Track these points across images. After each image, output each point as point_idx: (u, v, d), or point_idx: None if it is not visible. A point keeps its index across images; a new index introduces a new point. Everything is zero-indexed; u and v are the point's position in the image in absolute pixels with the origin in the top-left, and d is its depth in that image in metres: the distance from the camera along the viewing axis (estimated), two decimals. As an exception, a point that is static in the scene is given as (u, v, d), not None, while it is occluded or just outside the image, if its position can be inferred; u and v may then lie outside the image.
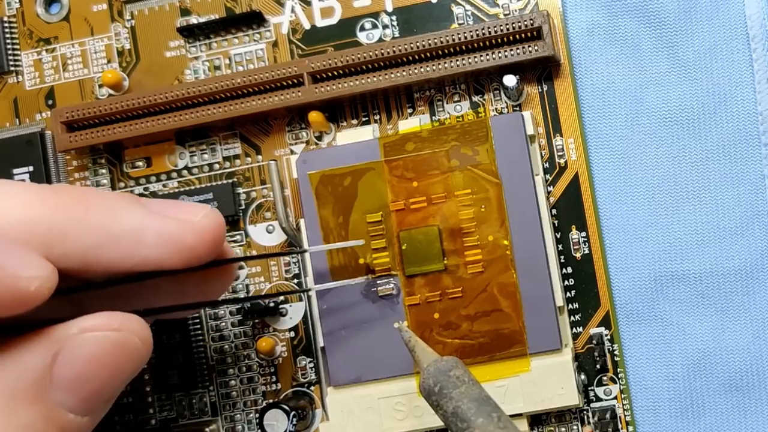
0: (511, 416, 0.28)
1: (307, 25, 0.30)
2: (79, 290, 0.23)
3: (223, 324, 0.30)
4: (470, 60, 0.28)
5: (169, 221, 0.23)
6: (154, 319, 0.30)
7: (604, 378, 0.29)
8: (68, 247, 0.22)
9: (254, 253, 0.30)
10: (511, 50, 0.28)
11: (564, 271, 0.29)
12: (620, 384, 0.29)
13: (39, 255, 0.21)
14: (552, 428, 0.29)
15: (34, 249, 0.21)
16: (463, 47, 0.28)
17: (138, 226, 0.23)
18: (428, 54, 0.28)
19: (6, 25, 0.32)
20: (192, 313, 0.30)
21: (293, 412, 0.28)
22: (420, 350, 0.25)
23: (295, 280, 0.30)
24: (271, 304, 0.30)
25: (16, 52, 0.32)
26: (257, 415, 0.29)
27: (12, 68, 0.32)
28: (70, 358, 0.21)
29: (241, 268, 0.30)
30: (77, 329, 0.21)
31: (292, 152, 0.30)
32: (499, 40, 0.28)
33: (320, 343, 0.29)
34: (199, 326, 0.30)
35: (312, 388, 0.30)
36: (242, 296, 0.30)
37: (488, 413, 0.23)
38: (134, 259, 0.23)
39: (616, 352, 0.29)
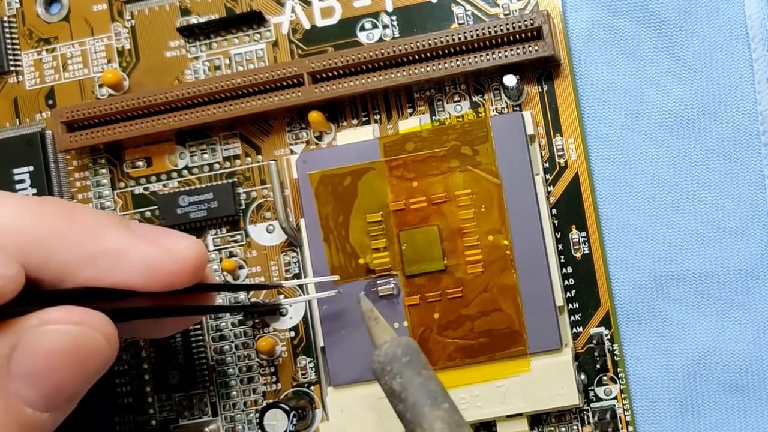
0: (511, 416, 0.28)
1: (307, 25, 0.30)
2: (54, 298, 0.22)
3: (223, 324, 0.30)
4: (470, 60, 0.28)
5: (151, 247, 0.23)
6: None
7: (604, 378, 0.29)
8: (47, 259, 0.22)
9: (254, 253, 0.30)
10: (511, 50, 0.28)
11: (564, 271, 0.29)
12: (620, 384, 0.29)
13: (8, 256, 0.21)
14: (552, 428, 0.29)
15: (9, 254, 0.21)
16: (463, 47, 0.28)
17: (119, 247, 0.23)
18: (428, 54, 0.28)
19: (6, 25, 0.32)
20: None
21: (293, 412, 0.28)
22: (379, 328, 0.25)
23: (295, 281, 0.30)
24: (269, 302, 0.30)
25: (16, 52, 0.32)
26: (257, 415, 0.29)
27: (12, 68, 0.32)
28: (28, 350, 0.21)
29: (241, 267, 0.30)
30: (38, 321, 0.21)
31: (292, 152, 0.30)
32: (499, 40, 0.28)
33: (320, 343, 0.29)
34: (199, 326, 0.30)
35: (312, 388, 0.30)
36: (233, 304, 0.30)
37: (436, 402, 0.22)
38: (112, 279, 0.23)
39: (616, 352, 0.29)
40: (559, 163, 0.29)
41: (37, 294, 0.22)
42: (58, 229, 0.22)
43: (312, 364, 0.30)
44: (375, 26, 0.30)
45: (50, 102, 0.32)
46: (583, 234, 0.29)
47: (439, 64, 0.28)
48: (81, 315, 0.21)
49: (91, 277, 0.22)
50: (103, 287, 0.23)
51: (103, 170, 0.31)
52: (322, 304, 0.28)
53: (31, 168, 0.31)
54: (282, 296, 0.30)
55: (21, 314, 0.21)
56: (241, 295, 0.30)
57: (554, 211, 0.29)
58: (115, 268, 0.23)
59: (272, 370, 0.30)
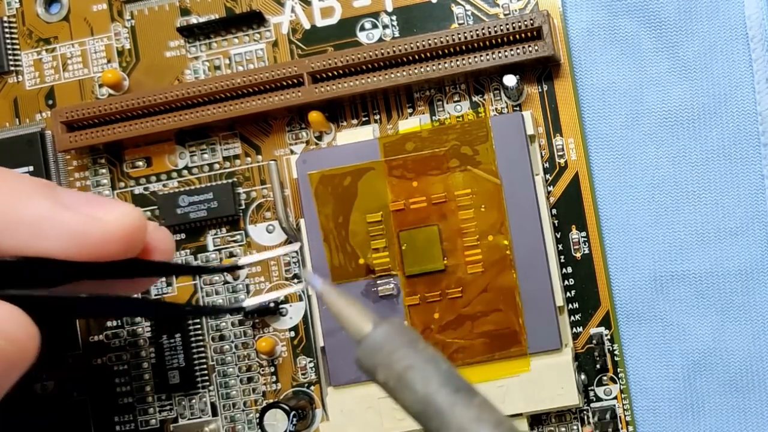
0: (511, 416, 0.28)
1: (307, 25, 0.30)
2: None
3: (223, 324, 0.30)
4: (470, 60, 0.28)
5: (75, 216, 0.22)
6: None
7: (604, 378, 0.29)
8: None
9: (254, 252, 0.30)
10: (511, 50, 0.28)
11: (564, 271, 0.29)
12: (620, 384, 0.29)
13: None
14: (552, 428, 0.29)
15: None
16: (463, 47, 0.28)
17: (40, 216, 0.22)
18: (428, 54, 0.28)
19: (6, 25, 0.32)
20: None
21: (293, 412, 0.28)
22: (353, 312, 0.19)
23: (295, 280, 0.30)
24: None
25: (16, 52, 0.32)
26: (257, 415, 0.29)
27: (12, 68, 0.32)
28: None
29: (240, 267, 0.30)
30: None
31: (292, 152, 0.30)
32: (499, 40, 0.28)
33: (320, 343, 0.29)
34: (199, 326, 0.30)
35: (312, 388, 0.30)
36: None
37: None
38: (34, 249, 0.22)
39: (616, 352, 0.29)
40: (559, 163, 0.29)
41: None
42: None
43: (312, 364, 0.30)
44: (375, 26, 0.30)
45: (50, 102, 0.32)
46: (583, 234, 0.29)
47: (439, 64, 0.28)
48: None
49: (11, 247, 0.21)
50: (32, 257, 0.22)
51: (103, 170, 0.31)
52: (322, 305, 0.28)
53: (31, 168, 0.31)
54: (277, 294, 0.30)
55: None
56: (242, 295, 0.30)
57: (554, 211, 0.29)
58: (36, 237, 0.22)
59: (272, 370, 0.30)
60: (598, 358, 0.28)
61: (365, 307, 0.19)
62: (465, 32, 0.28)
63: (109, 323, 0.31)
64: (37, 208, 0.22)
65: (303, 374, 0.30)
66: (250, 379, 0.30)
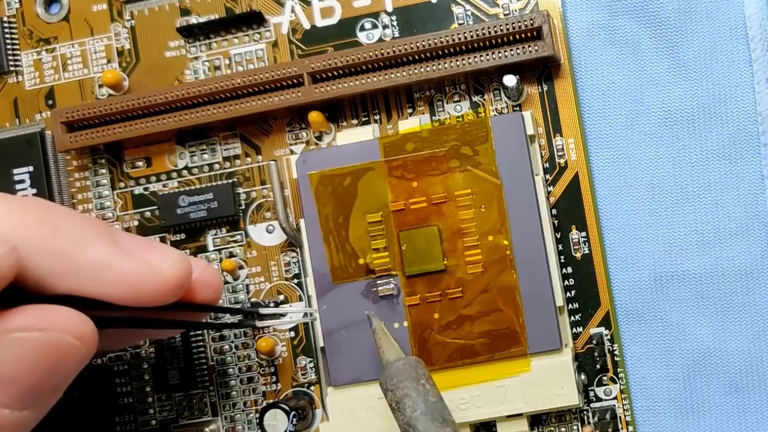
0: (511, 416, 0.28)
1: (307, 25, 0.30)
2: None
3: (223, 324, 0.30)
4: (470, 60, 0.28)
5: (135, 263, 0.23)
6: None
7: (604, 378, 0.29)
8: (26, 270, 0.21)
9: (254, 253, 0.30)
10: (511, 50, 0.28)
11: (564, 271, 0.29)
12: (620, 384, 0.29)
13: None
14: (552, 428, 0.29)
15: None
16: (463, 47, 0.28)
17: (102, 261, 0.22)
18: (428, 54, 0.28)
19: (6, 25, 0.32)
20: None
21: (293, 412, 0.28)
22: (387, 345, 0.26)
23: (295, 280, 0.30)
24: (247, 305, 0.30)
25: (16, 52, 0.32)
26: (257, 415, 0.29)
27: (12, 68, 0.32)
28: None
29: (240, 267, 0.30)
30: (1, 329, 0.20)
31: (292, 152, 0.30)
32: (499, 40, 0.28)
33: (320, 343, 0.29)
34: (199, 326, 0.31)
35: (312, 388, 0.30)
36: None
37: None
38: (93, 292, 0.22)
39: (616, 352, 0.29)
40: (559, 163, 0.29)
41: (21, 293, 0.21)
42: (41, 238, 0.21)
43: (312, 364, 0.30)
44: (375, 26, 0.30)
45: (50, 102, 0.32)
46: (583, 234, 0.29)
47: (439, 64, 0.28)
48: (47, 321, 0.21)
49: (72, 289, 0.22)
50: (84, 297, 0.22)
51: (103, 170, 0.31)
52: (323, 304, 0.28)
53: (31, 168, 0.31)
54: (288, 307, 0.30)
55: None
56: (242, 295, 0.30)
57: (554, 211, 0.29)
58: (96, 281, 0.22)
59: (272, 370, 0.30)
60: (598, 358, 0.28)
61: (398, 345, 0.26)
62: (465, 32, 0.28)
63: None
64: (100, 252, 0.22)
65: (303, 374, 0.30)
66: (250, 380, 0.30)
